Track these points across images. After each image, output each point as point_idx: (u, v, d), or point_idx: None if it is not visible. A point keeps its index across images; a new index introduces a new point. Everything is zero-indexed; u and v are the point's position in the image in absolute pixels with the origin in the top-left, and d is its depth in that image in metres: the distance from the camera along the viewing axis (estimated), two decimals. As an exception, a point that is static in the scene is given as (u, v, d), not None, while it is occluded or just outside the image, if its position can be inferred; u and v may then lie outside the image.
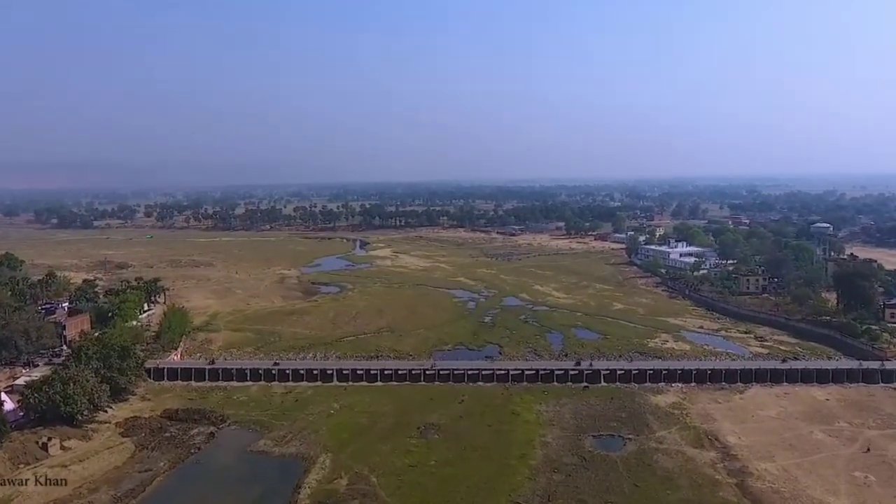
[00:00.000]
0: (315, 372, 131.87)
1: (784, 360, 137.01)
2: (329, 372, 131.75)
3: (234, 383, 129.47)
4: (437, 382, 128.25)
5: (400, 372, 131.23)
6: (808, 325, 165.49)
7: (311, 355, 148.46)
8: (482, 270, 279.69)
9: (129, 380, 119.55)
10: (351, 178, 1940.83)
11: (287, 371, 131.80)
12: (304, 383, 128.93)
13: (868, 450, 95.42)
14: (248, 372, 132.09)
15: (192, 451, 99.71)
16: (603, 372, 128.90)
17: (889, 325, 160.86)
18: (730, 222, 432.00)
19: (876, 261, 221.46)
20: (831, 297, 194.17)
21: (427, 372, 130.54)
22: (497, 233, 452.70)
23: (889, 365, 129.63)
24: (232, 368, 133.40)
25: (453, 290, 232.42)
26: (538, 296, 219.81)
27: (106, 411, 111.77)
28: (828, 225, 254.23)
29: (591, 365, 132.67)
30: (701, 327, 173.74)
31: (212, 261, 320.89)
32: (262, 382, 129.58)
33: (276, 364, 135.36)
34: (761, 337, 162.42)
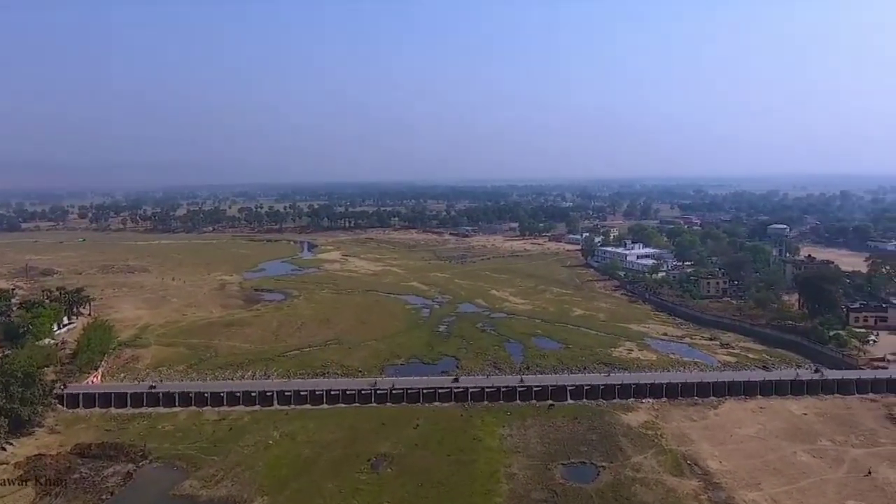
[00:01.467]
0: (253, 394, 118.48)
1: (765, 368, 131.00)
2: (269, 394, 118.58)
3: (161, 409, 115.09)
4: (389, 404, 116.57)
5: (348, 392, 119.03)
6: (774, 331, 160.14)
7: (249, 374, 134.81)
8: (436, 274, 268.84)
9: (35, 410, 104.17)
10: (300, 177, 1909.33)
11: (221, 394, 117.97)
12: (241, 408, 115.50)
13: (869, 473, 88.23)
14: (176, 396, 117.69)
15: (105, 496, 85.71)
16: (569, 388, 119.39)
17: (854, 329, 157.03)
18: (682, 222, 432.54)
19: (833, 262, 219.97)
20: (791, 299, 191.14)
21: (378, 391, 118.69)
22: (450, 234, 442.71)
23: (864, 374, 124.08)
24: (158, 392, 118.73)
25: (406, 296, 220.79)
26: (495, 301, 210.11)
27: (4, 449, 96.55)
28: (784, 226, 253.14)
29: (555, 381, 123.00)
30: (665, 334, 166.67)
31: (147, 266, 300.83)
32: (193, 408, 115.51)
33: (208, 386, 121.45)
34: (727, 344, 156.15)
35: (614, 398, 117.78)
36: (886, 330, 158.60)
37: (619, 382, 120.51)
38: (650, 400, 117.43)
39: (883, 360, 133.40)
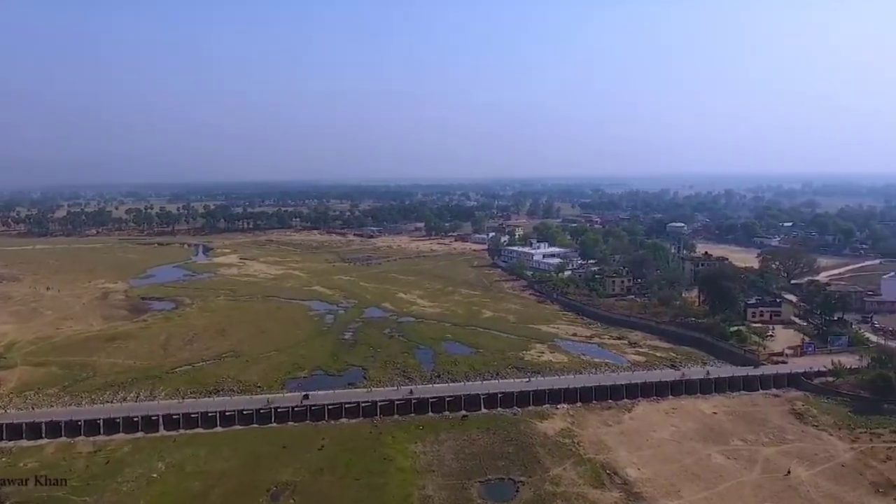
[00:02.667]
0: (135, 419, 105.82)
1: (673, 366, 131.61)
2: (154, 418, 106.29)
3: (24, 442, 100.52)
4: (290, 423, 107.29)
5: (245, 412, 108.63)
6: (679, 329, 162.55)
7: (132, 395, 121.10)
8: (340, 277, 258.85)
9: None
10: (195, 177, 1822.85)
11: (97, 421, 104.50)
12: (121, 436, 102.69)
13: (788, 473, 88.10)
14: (43, 425, 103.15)
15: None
16: (482, 396, 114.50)
17: (752, 324, 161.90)
18: (584, 221, 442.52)
19: (727, 258, 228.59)
20: (691, 296, 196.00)
21: (278, 410, 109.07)
22: (354, 235, 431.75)
23: (766, 370, 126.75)
24: (20, 422, 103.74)
25: (309, 302, 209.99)
26: (402, 305, 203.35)
27: None
28: (682, 224, 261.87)
29: (468, 389, 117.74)
30: (574, 335, 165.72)
31: (18, 274, 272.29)
32: (63, 438, 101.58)
33: (82, 413, 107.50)
34: (635, 343, 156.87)
35: (529, 405, 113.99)
36: (780, 324, 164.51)
37: (534, 389, 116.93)
38: (565, 405, 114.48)
39: (782, 354, 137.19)
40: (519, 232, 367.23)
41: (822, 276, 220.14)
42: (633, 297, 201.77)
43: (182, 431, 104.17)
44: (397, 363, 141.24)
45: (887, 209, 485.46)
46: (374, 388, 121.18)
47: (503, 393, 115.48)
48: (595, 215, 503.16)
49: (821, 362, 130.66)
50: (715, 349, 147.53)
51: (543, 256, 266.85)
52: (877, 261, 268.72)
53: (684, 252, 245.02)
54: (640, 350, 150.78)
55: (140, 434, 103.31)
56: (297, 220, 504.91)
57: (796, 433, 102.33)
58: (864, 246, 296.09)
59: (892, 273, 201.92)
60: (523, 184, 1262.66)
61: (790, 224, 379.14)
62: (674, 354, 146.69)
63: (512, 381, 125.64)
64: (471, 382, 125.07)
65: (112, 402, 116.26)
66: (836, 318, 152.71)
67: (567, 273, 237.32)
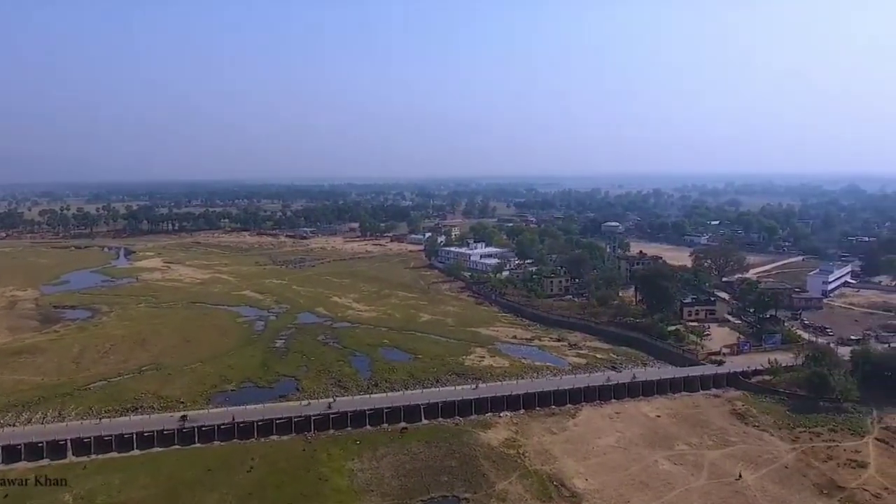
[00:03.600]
0: (40, 444, 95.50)
1: (614, 368, 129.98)
2: (61, 442, 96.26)
3: None
4: (217, 442, 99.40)
5: (165, 432, 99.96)
6: (617, 329, 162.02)
7: (38, 416, 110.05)
8: (271, 281, 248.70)
9: None
10: (116, 175, 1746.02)
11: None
12: (23, 464, 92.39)
13: (739, 477, 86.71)
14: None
15: None
16: (422, 406, 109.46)
17: (688, 323, 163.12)
18: (519, 220, 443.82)
19: (661, 257, 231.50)
20: (628, 295, 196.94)
21: (202, 428, 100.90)
22: (286, 236, 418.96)
23: (705, 370, 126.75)
24: None
25: (237, 308, 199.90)
26: (337, 309, 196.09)
27: None
28: (617, 224, 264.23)
29: (408, 400, 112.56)
30: (514, 337, 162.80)
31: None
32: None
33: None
34: (575, 344, 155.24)
35: (471, 414, 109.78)
36: (715, 322, 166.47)
37: (475, 397, 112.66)
38: (508, 413, 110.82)
39: (719, 353, 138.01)
40: (455, 232, 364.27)
41: (751, 274, 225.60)
42: (571, 297, 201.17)
43: (94, 456, 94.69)
44: (332, 372, 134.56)
45: (804, 208, 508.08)
46: (307, 401, 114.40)
47: (444, 402, 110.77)
48: (530, 215, 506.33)
49: (757, 361, 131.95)
50: (654, 349, 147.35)
51: (481, 257, 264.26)
52: (799, 257, 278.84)
53: (619, 251, 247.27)
54: (581, 352, 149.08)
55: (45, 461, 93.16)
56: (226, 221, 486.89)
57: (739, 434, 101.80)
58: (786, 243, 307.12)
59: (817, 270, 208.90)
60: (458, 183, 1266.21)
61: (717, 222, 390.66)
62: (614, 356, 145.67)
63: (453, 388, 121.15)
64: (410, 391, 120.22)
65: (14, 425, 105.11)
66: (768, 316, 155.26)
67: (505, 273, 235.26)
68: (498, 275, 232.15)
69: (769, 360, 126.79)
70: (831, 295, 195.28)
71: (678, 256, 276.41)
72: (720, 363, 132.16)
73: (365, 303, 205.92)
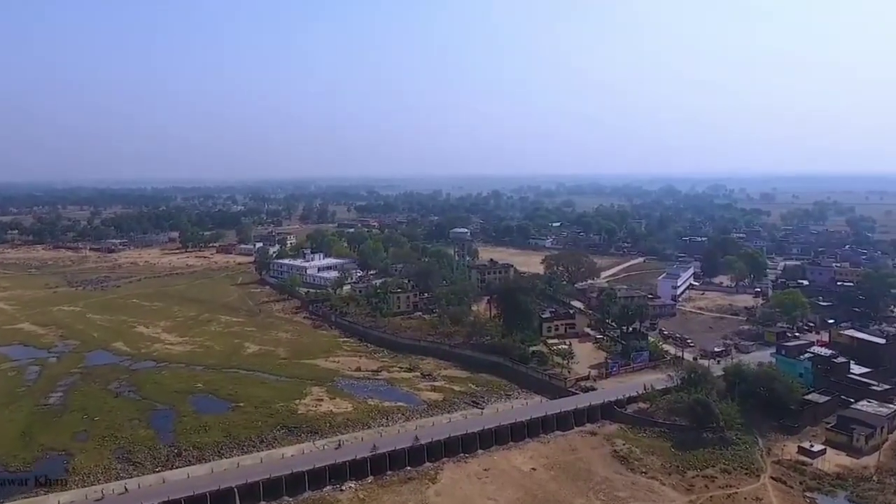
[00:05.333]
0: None
1: (475, 404, 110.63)
2: None
3: None
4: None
5: None
6: (474, 352, 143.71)
7: None
8: (62, 308, 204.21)
9: None
10: None
11: None
12: None
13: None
14: None
15: None
16: (237, 488, 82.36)
17: (549, 340, 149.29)
18: (361, 225, 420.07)
19: (512, 265, 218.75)
20: (481, 308, 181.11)
21: None
22: (91, 249, 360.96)
23: (578, 402, 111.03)
24: None
25: (6, 349, 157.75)
26: (141, 343, 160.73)
27: None
28: (465, 230, 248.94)
29: (217, 482, 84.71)
30: (359, 369, 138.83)
31: None
32: None
33: None
34: (429, 374, 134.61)
35: (305, 490, 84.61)
36: (576, 337, 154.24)
37: (309, 467, 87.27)
38: (352, 484, 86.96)
39: (588, 378, 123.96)
40: (291, 241, 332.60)
41: (602, 280, 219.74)
42: (420, 314, 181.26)
43: None
44: (121, 438, 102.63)
45: (635, 208, 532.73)
46: (75, 488, 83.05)
47: (267, 479, 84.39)
48: (372, 219, 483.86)
49: (629, 383, 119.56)
50: (516, 376, 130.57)
51: (319, 270, 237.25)
52: (640, 258, 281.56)
53: (469, 259, 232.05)
54: (436, 384, 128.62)
55: None
56: (15, 232, 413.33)
57: (627, 486, 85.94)
58: (626, 244, 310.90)
59: (664, 274, 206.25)
60: (296, 185, 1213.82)
61: (559, 224, 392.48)
62: (473, 386, 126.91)
63: (281, 451, 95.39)
64: (225, 460, 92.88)
65: None
66: (631, 330, 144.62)
67: (346, 288, 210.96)
68: (338, 290, 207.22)
69: (644, 386, 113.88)
70: (679, 299, 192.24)
71: (527, 261, 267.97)
72: (590, 389, 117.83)
73: (178, 333, 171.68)
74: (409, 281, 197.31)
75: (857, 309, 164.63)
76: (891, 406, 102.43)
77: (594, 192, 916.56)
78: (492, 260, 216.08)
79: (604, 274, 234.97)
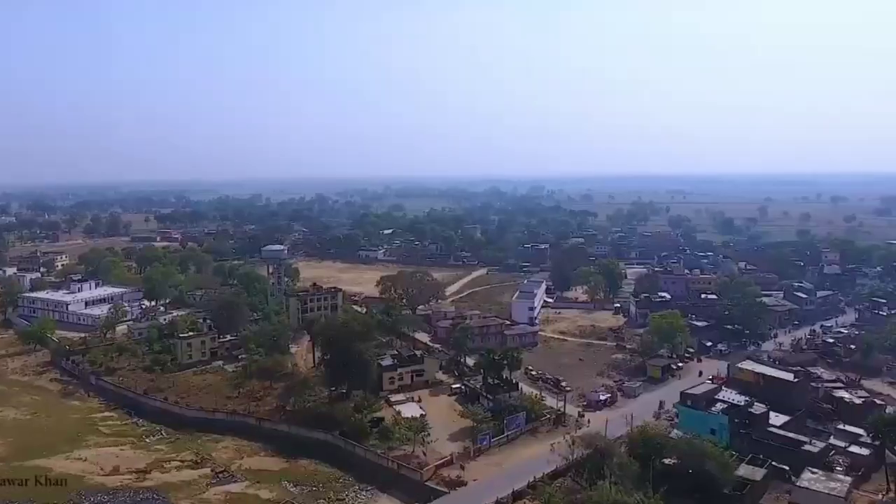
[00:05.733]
0: None
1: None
2: None
3: None
4: None
5: None
6: (292, 426, 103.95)
7: None
8: None
9: None
10: None
11: None
12: None
13: None
14: None
15: None
16: None
17: (391, 397, 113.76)
18: (160, 238, 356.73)
19: (341, 289, 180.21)
20: (302, 351, 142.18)
21: None
22: None
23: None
24: None
25: None
26: None
27: None
28: (281, 247, 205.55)
29: None
30: (116, 470, 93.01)
31: None
32: None
33: None
34: (224, 470, 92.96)
35: None
36: (426, 387, 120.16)
37: None
38: None
39: (451, 462, 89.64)
40: (62, 262, 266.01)
41: (448, 299, 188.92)
42: (221, 363, 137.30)
43: None
44: None
45: (467, 211, 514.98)
46: None
47: None
48: (176, 230, 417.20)
49: (508, 466, 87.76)
50: (351, 461, 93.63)
51: (87, 304, 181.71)
52: (483, 270, 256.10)
53: (286, 282, 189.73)
54: (232, 490, 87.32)
55: None
56: None
57: None
58: (466, 253, 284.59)
59: (518, 293, 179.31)
60: (92, 191, 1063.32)
61: (390, 231, 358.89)
62: (291, 486, 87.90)
63: None
64: None
65: None
66: (496, 381, 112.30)
67: (123, 328, 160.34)
68: (110, 333, 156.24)
69: (534, 480, 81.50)
70: (537, 321, 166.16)
71: (358, 279, 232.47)
72: (459, 483, 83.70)
73: None
74: (205, 319, 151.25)
75: (729, 327, 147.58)
76: (841, 478, 79.26)
77: (421, 194, 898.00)
78: (315, 284, 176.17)
79: (448, 291, 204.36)
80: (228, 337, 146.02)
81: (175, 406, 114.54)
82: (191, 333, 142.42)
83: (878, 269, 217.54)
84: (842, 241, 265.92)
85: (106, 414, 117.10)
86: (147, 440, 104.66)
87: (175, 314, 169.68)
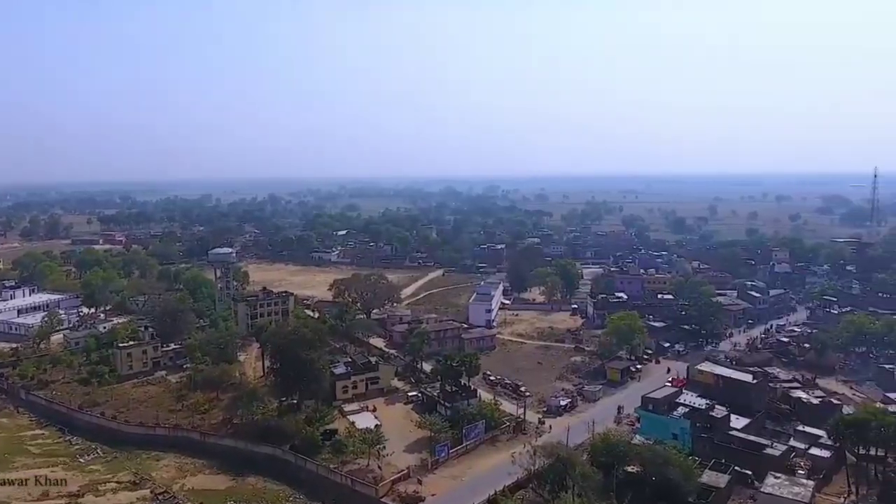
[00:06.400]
0: None
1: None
2: None
3: None
4: None
5: None
6: (238, 441, 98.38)
7: None
8: None
9: None
10: None
11: None
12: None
13: None
14: None
15: None
16: None
17: (344, 406, 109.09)
18: (102, 242, 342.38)
19: (292, 294, 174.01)
20: (250, 359, 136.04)
21: None
22: None
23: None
24: None
25: None
26: None
27: None
28: (229, 250, 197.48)
29: None
30: (45, 496, 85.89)
31: None
32: None
33: None
34: (164, 491, 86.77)
35: None
36: (381, 395, 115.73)
37: None
38: None
39: (408, 476, 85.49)
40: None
41: (405, 302, 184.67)
42: (164, 373, 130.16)
43: None
44: None
45: (422, 212, 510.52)
46: None
47: None
48: (120, 232, 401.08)
49: (467, 479, 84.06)
50: (302, 477, 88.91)
51: (19, 312, 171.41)
52: (439, 271, 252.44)
53: (235, 286, 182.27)
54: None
55: None
56: None
57: None
58: (421, 254, 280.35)
59: (475, 295, 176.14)
60: (31, 191, 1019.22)
61: (344, 232, 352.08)
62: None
63: None
64: None
65: None
66: (454, 388, 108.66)
67: (59, 338, 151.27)
68: (43, 343, 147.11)
69: (494, 493, 77.97)
70: (494, 323, 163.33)
71: (311, 281, 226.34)
72: (416, 498, 79.70)
73: None
74: (146, 328, 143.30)
75: (686, 327, 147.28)
76: (804, 482, 78.19)
77: (377, 194, 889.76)
78: (265, 288, 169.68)
79: (404, 293, 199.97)
80: (172, 345, 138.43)
81: (112, 421, 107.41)
82: (131, 342, 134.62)
83: (826, 267, 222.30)
84: (790, 240, 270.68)
85: (36, 432, 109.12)
86: (81, 460, 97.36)
87: (115, 322, 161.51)
